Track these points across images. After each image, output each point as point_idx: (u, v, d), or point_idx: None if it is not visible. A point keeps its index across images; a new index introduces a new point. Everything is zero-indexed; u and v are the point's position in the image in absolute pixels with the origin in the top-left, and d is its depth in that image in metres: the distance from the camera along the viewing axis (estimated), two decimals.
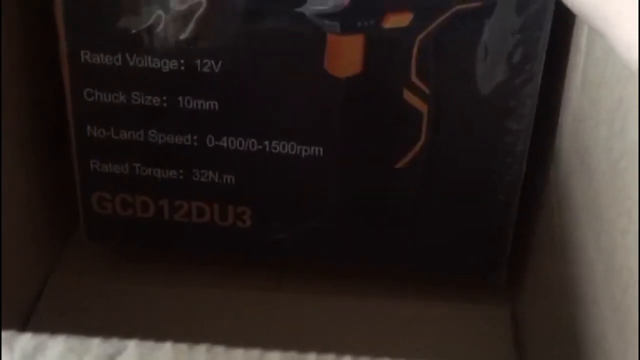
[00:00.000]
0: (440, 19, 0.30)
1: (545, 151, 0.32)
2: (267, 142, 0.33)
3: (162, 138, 0.34)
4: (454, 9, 0.30)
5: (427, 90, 0.31)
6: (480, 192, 0.33)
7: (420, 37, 0.30)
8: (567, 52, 0.30)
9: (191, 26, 0.31)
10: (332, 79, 0.32)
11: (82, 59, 0.32)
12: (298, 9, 0.30)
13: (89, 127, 0.34)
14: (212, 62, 0.32)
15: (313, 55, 0.31)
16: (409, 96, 0.32)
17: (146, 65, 0.32)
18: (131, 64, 0.32)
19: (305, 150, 0.33)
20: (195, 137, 0.34)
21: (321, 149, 0.33)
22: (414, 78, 0.31)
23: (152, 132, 0.34)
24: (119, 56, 0.32)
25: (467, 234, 0.34)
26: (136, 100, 0.33)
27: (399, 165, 0.33)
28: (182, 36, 0.31)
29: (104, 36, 0.32)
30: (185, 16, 0.31)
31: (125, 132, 0.34)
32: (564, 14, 0.29)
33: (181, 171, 0.34)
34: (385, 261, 0.36)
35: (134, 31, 0.32)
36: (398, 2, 0.30)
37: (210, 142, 0.34)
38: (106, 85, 0.33)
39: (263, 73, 0.32)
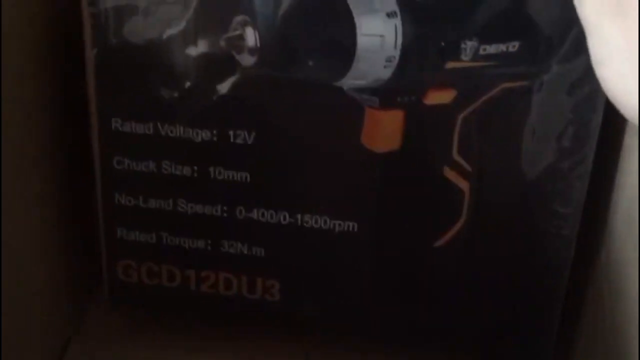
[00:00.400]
0: (485, 97, 0.29)
1: (596, 234, 0.31)
2: (299, 215, 0.32)
3: (191, 208, 0.33)
4: (499, 87, 0.29)
5: (469, 168, 0.30)
6: (524, 276, 0.31)
7: (463, 114, 0.29)
8: (622, 132, 0.29)
9: (226, 96, 0.30)
10: (369, 153, 0.30)
11: (113, 127, 0.32)
12: (336, 83, 0.29)
13: (117, 195, 0.33)
14: (246, 133, 0.31)
15: (350, 128, 0.30)
16: (450, 174, 0.30)
17: (178, 134, 0.31)
18: (163, 133, 0.32)
19: (339, 225, 0.32)
20: (225, 208, 0.32)
21: (355, 225, 0.32)
22: (455, 155, 0.30)
23: (181, 202, 0.33)
24: (151, 125, 0.31)
25: (509, 320, 0.32)
26: (166, 169, 0.32)
27: (438, 244, 0.31)
28: (216, 106, 0.31)
29: (136, 104, 0.31)
30: (221, 87, 0.30)
31: (154, 200, 0.33)
32: None
33: (209, 242, 0.33)
34: (417, 342, 0.34)
35: (167, 100, 0.31)
36: (440, 79, 0.29)
37: (241, 214, 0.32)
38: (136, 153, 0.32)
39: (297, 145, 0.31)
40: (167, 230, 0.33)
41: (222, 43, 0.29)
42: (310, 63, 0.29)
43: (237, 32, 0.29)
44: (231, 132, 0.31)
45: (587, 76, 0.28)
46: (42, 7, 0.30)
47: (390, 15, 0.28)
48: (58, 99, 0.33)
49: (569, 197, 0.29)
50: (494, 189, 0.30)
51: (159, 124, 0.31)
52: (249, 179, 0.32)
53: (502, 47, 0.28)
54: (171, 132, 0.32)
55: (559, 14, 0.27)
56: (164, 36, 0.30)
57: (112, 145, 0.32)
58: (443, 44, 0.28)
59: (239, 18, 0.29)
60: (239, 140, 0.31)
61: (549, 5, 0.27)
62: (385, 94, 0.29)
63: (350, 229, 0.32)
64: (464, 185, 0.30)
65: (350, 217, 0.32)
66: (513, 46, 0.28)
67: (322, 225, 0.32)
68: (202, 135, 0.31)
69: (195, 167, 0.32)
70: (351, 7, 0.28)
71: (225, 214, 0.33)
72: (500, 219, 0.31)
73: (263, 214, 0.32)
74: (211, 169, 0.32)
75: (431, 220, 0.31)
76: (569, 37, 0.27)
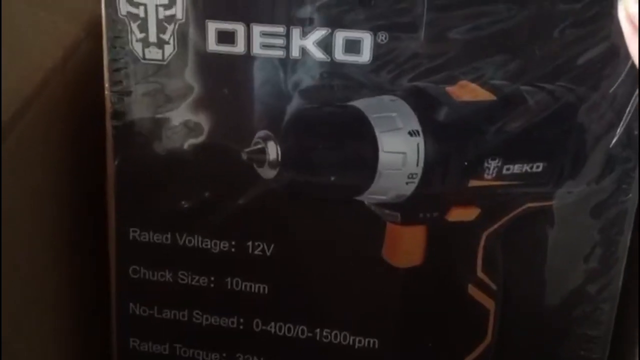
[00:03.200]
0: (509, 216, 0.29)
1: (628, 355, 0.30)
2: (317, 330, 0.32)
3: (206, 319, 0.33)
4: (524, 207, 0.29)
5: (494, 287, 0.30)
6: None
7: (487, 232, 0.30)
8: None
9: (245, 208, 0.31)
10: (390, 269, 0.31)
11: (131, 237, 0.32)
12: (357, 197, 0.30)
13: (131, 304, 0.33)
14: (265, 244, 0.31)
15: (371, 243, 0.30)
16: (474, 292, 0.30)
17: (196, 245, 0.32)
18: (180, 243, 0.32)
19: (359, 342, 0.32)
20: (241, 320, 0.33)
21: (377, 341, 0.31)
22: (480, 274, 0.30)
23: (197, 313, 0.33)
24: (169, 235, 0.32)
25: None
26: (183, 279, 0.33)
27: None
28: (235, 217, 0.31)
29: (155, 215, 0.32)
30: (240, 196, 0.31)
31: (169, 311, 0.33)
32: None
33: (224, 355, 0.33)
34: None
35: (186, 210, 0.32)
36: (464, 197, 0.29)
37: (257, 327, 0.32)
38: (153, 263, 0.33)
39: (317, 258, 0.31)
40: (181, 341, 0.33)
41: (244, 156, 0.30)
42: (332, 178, 0.30)
43: (259, 146, 0.30)
44: (250, 244, 0.32)
45: (613, 198, 0.28)
46: (64, 121, 0.32)
47: (412, 133, 0.29)
48: (76, 206, 0.34)
49: (597, 320, 0.29)
50: (520, 310, 0.30)
51: (177, 234, 0.32)
52: (266, 290, 0.32)
53: (526, 167, 0.29)
54: (189, 242, 0.32)
55: (584, 136, 0.28)
56: (185, 147, 0.31)
57: (129, 254, 0.33)
58: (466, 162, 0.29)
59: (261, 133, 0.30)
60: (258, 252, 0.32)
61: (573, 127, 0.28)
62: (407, 210, 0.30)
63: (372, 345, 0.32)
64: (489, 304, 0.30)
65: (372, 334, 0.31)
66: (537, 167, 0.28)
67: (342, 340, 0.32)
68: (220, 245, 0.32)
69: (212, 278, 0.32)
70: (373, 124, 0.29)
71: (241, 327, 0.33)
72: (527, 341, 0.30)
73: (280, 328, 0.32)
74: (228, 280, 0.32)
75: (456, 340, 0.31)
76: (594, 159, 0.28)
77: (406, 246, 0.30)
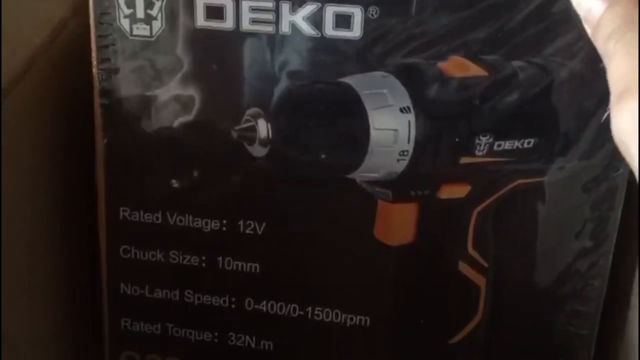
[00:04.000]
0: (501, 192, 0.29)
1: (614, 336, 0.31)
2: (309, 309, 0.32)
3: (198, 298, 0.33)
4: (515, 183, 0.29)
5: (485, 264, 0.30)
6: None
7: (478, 209, 0.30)
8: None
9: (236, 186, 0.31)
10: (382, 247, 0.31)
11: (121, 216, 0.32)
12: (348, 175, 0.30)
13: (122, 284, 0.33)
14: (256, 223, 0.31)
15: (363, 221, 0.31)
16: (465, 269, 0.30)
17: (187, 224, 0.32)
18: (171, 222, 0.32)
19: (351, 319, 0.32)
20: (233, 299, 0.33)
21: (368, 319, 0.32)
22: (471, 250, 0.30)
23: (188, 292, 0.33)
24: (159, 214, 0.32)
25: None
26: (174, 259, 0.33)
27: (454, 341, 0.31)
28: (226, 196, 0.31)
29: (145, 194, 0.32)
30: (231, 175, 0.31)
31: (160, 291, 0.33)
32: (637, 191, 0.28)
33: (216, 334, 0.33)
34: None
35: (176, 189, 0.32)
36: (455, 174, 0.29)
37: (249, 305, 0.33)
38: (144, 242, 0.33)
39: (308, 236, 0.31)
40: (173, 321, 0.34)
41: (234, 134, 0.30)
42: (323, 156, 0.30)
43: (249, 124, 0.30)
44: (241, 223, 0.32)
45: (604, 173, 0.28)
46: (53, 99, 0.31)
47: (403, 110, 0.29)
48: (66, 188, 0.33)
49: (587, 296, 0.30)
50: (511, 286, 0.30)
51: (167, 214, 0.32)
52: (258, 269, 0.32)
53: (517, 144, 0.29)
54: (180, 221, 0.32)
55: (575, 111, 0.28)
56: (175, 125, 0.31)
57: (119, 234, 0.33)
58: (457, 139, 0.29)
59: (252, 110, 0.30)
60: (249, 231, 0.32)
61: (565, 102, 0.28)
62: (399, 187, 0.30)
63: (363, 323, 0.32)
64: (480, 280, 0.31)
65: (363, 311, 0.32)
66: (528, 142, 0.29)
67: (334, 319, 0.32)
68: (212, 224, 0.32)
69: (204, 257, 0.32)
70: (364, 101, 0.29)
71: (233, 305, 0.33)
72: (518, 317, 0.31)
73: (272, 306, 0.32)
74: (220, 259, 0.32)
75: (447, 316, 0.31)
76: (585, 134, 0.28)
77: (397, 224, 0.30)
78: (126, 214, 0.32)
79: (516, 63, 0.28)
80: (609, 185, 0.28)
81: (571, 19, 0.27)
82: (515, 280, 0.30)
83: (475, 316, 0.31)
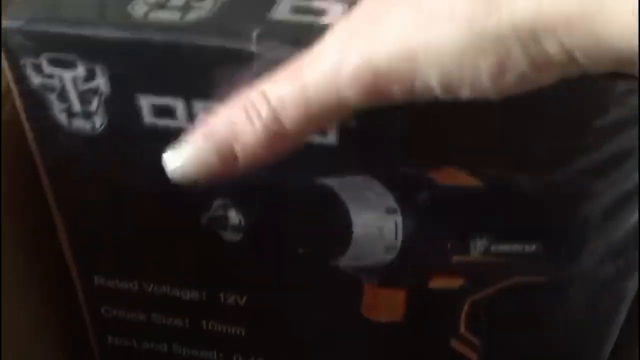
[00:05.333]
0: (496, 287, 0.27)
1: None
2: None
3: (186, 352, 0.33)
4: (512, 280, 0.27)
5: (477, 343, 0.29)
6: None
7: (472, 298, 0.28)
8: None
9: (213, 261, 0.29)
10: (370, 322, 0.30)
11: (96, 282, 0.31)
12: (333, 262, 0.28)
13: (109, 337, 0.33)
14: (237, 296, 0.30)
15: (349, 301, 0.29)
16: (457, 345, 0.30)
17: (165, 292, 0.31)
18: (148, 290, 0.31)
19: None
20: (221, 355, 0.33)
21: None
22: (463, 331, 0.29)
23: (176, 346, 0.33)
24: (135, 283, 0.31)
25: None
26: (157, 320, 0.32)
27: None
28: (204, 269, 0.30)
29: (118, 264, 0.30)
30: (205, 253, 0.29)
31: (148, 343, 0.33)
32: None
33: None
34: None
35: (151, 262, 0.30)
36: (447, 266, 0.27)
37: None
38: (124, 305, 0.32)
39: (293, 311, 0.30)
40: None
41: (204, 221, 0.28)
42: (300, 251, 0.27)
43: (219, 213, 0.27)
44: (221, 294, 0.30)
45: (612, 284, 0.26)
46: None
47: (389, 211, 0.26)
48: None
49: None
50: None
51: (144, 282, 0.31)
52: (244, 333, 0.31)
53: (517, 247, 0.26)
54: (157, 289, 0.31)
55: (586, 225, 0.25)
56: (140, 215, 0.28)
57: (97, 297, 0.32)
58: (449, 244, 0.26)
59: (219, 202, 0.27)
60: (230, 302, 0.30)
61: (570, 208, 0.24)
62: (385, 275, 0.28)
63: None
64: (471, 355, 0.30)
65: None
66: (530, 247, 0.26)
67: None
68: (191, 294, 0.31)
69: (187, 320, 0.32)
70: (345, 201, 0.26)
71: (222, 359, 0.33)
72: None
73: None
74: (203, 322, 0.32)
75: None
76: (595, 247, 0.25)
77: (385, 305, 0.29)
78: (101, 281, 0.31)
79: (520, 177, 0.24)
80: (616, 296, 0.26)
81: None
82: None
83: None
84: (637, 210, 0.24)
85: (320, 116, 0.20)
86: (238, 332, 0.32)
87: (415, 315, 0.29)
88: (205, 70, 0.23)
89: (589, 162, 0.23)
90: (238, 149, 0.21)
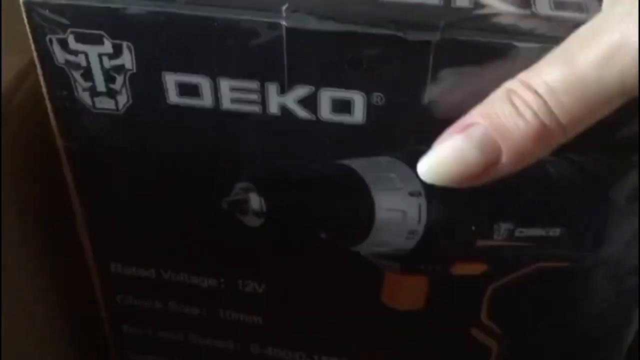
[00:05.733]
0: (519, 273, 0.27)
1: None
2: (315, 356, 0.32)
3: (202, 341, 0.33)
4: (535, 266, 0.27)
5: (499, 331, 0.29)
6: None
7: (494, 285, 0.28)
8: None
9: (231, 247, 0.29)
10: (389, 310, 0.29)
11: (113, 271, 0.31)
12: (354, 248, 0.28)
13: (125, 326, 0.33)
14: (255, 284, 0.30)
15: (369, 288, 0.29)
16: (477, 334, 0.29)
17: (182, 280, 0.31)
18: (166, 277, 0.31)
19: None
20: (238, 345, 0.32)
21: None
22: (485, 319, 0.29)
23: (193, 336, 0.33)
24: (152, 270, 0.31)
25: None
26: (173, 308, 0.32)
27: None
28: (222, 255, 0.29)
29: (135, 251, 0.30)
30: (224, 240, 0.29)
31: (164, 332, 0.33)
32: None
33: None
34: None
35: (169, 248, 0.30)
36: (469, 252, 0.27)
37: (255, 350, 0.32)
38: (140, 294, 0.32)
39: (312, 297, 0.30)
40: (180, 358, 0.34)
41: (224, 205, 0.27)
42: (323, 235, 0.27)
43: (240, 197, 0.27)
44: (240, 282, 0.30)
45: (632, 268, 0.26)
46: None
47: (413, 194, 0.26)
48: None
49: None
50: (525, 351, 0.30)
51: (161, 270, 0.31)
52: (261, 322, 0.31)
53: (541, 232, 0.26)
54: (174, 277, 0.31)
55: (611, 208, 0.24)
56: (158, 199, 0.28)
57: (113, 285, 0.31)
58: (473, 227, 0.26)
59: (242, 184, 0.27)
60: (249, 289, 0.30)
61: (600, 200, 0.24)
62: (407, 261, 0.28)
63: None
64: (491, 344, 0.30)
65: None
66: (554, 232, 0.26)
67: None
68: (209, 282, 0.30)
69: (204, 308, 0.31)
70: (369, 183, 0.25)
71: (238, 349, 0.33)
72: None
73: (278, 353, 0.32)
74: (220, 311, 0.31)
75: None
76: (619, 231, 0.25)
77: (406, 293, 0.29)
78: (118, 269, 0.31)
79: (546, 157, 0.24)
80: (635, 281, 0.26)
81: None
82: (531, 347, 0.29)
83: None
84: None
85: (599, 105, 0.17)
86: (255, 320, 0.31)
87: (436, 303, 0.29)
88: (235, 46, 0.23)
89: (614, 144, 0.23)
90: (504, 145, 0.19)
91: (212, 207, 0.28)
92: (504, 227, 0.26)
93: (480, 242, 0.27)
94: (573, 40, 0.18)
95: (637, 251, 0.25)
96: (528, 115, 0.18)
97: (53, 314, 0.33)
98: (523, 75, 0.19)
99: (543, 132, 0.18)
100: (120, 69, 0.24)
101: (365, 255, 0.28)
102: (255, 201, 0.27)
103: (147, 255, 0.30)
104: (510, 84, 0.19)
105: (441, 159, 0.21)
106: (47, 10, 0.23)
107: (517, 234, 0.26)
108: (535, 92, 0.18)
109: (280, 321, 0.31)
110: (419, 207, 0.26)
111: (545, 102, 0.18)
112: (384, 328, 0.30)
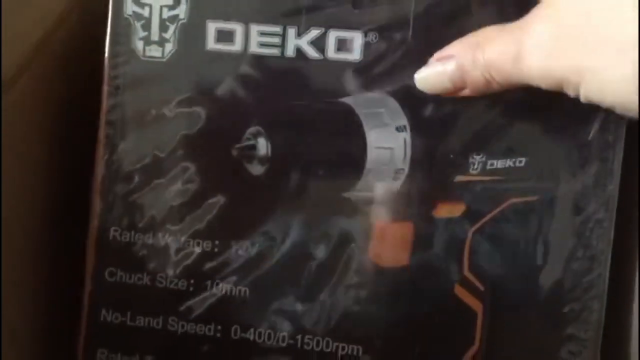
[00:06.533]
0: (495, 212, 0.30)
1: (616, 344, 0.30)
2: (299, 337, 0.31)
3: (182, 327, 0.32)
4: (508, 202, 0.30)
5: (481, 287, 0.30)
6: None
7: (473, 229, 0.30)
8: (635, 255, 0.30)
9: (231, 208, 0.32)
10: (376, 269, 0.31)
11: (112, 236, 0.32)
12: (345, 194, 0.31)
13: (104, 311, 0.32)
14: (249, 244, 0.32)
15: (358, 242, 0.31)
16: (461, 292, 0.30)
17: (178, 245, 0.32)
18: (162, 243, 0.32)
19: (342, 349, 0.31)
20: (219, 328, 0.32)
21: (360, 349, 0.31)
22: (467, 273, 0.30)
23: (172, 320, 0.32)
24: (150, 235, 0.32)
25: None
26: (161, 283, 0.32)
27: None
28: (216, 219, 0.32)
29: (140, 214, 0.32)
30: (229, 192, 0.32)
31: (143, 318, 0.32)
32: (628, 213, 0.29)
33: None
34: None
35: (172, 209, 0.32)
36: (450, 193, 0.30)
37: (235, 334, 0.32)
38: (131, 265, 0.32)
39: (300, 248, 0.31)
40: (153, 352, 0.32)
41: (234, 152, 0.31)
42: (320, 172, 0.31)
43: (250, 142, 0.31)
44: (233, 243, 0.32)
45: (593, 192, 0.30)
46: (54, 94, 0.33)
47: (399, 129, 0.31)
48: (64, 184, 0.34)
49: (586, 320, 0.29)
50: (508, 312, 0.30)
51: (159, 234, 0.32)
52: (247, 293, 0.32)
53: (509, 162, 0.30)
54: (171, 241, 0.32)
55: (562, 131, 0.30)
56: (177, 142, 0.32)
57: (107, 256, 0.32)
58: (451, 156, 0.30)
59: (252, 129, 0.31)
60: (241, 252, 0.32)
61: (552, 123, 0.30)
62: (394, 206, 0.31)
63: (355, 353, 0.31)
64: (476, 306, 0.30)
65: (355, 340, 0.31)
66: (520, 161, 0.30)
67: (325, 348, 0.31)
68: (204, 245, 0.32)
69: (192, 281, 0.32)
70: (362, 120, 0.31)
71: (218, 334, 0.32)
72: (516, 346, 0.30)
73: (260, 334, 0.31)
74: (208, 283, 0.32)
75: (442, 346, 0.31)
76: (573, 153, 0.30)
77: (393, 244, 0.31)
78: (117, 233, 0.32)
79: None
80: (599, 204, 0.29)
81: None
82: (512, 306, 0.30)
83: (472, 345, 0.30)
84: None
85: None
86: (242, 292, 0.31)
87: (421, 257, 0.30)
88: None
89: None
90: (467, 82, 0.28)
91: (222, 158, 0.31)
92: (477, 159, 0.30)
93: (458, 178, 0.30)
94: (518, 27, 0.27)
95: (593, 174, 0.29)
96: (478, 72, 0.27)
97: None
98: (482, 39, 0.28)
99: (487, 83, 0.27)
100: (174, 18, 0.32)
101: (356, 202, 0.31)
102: (262, 145, 0.31)
103: (149, 220, 0.32)
104: (475, 41, 0.28)
105: (426, 78, 0.30)
106: None
107: (489, 166, 0.30)
108: (483, 58, 0.27)
109: (266, 294, 0.31)
110: (404, 142, 0.30)
111: (486, 68, 0.27)
112: (369, 293, 0.31)
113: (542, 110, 0.30)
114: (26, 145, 0.30)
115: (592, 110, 0.29)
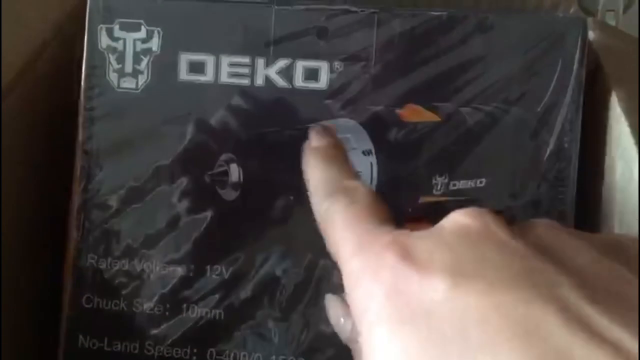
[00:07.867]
0: None
1: None
2: (273, 358, 0.32)
3: (158, 351, 0.33)
4: None
5: None
6: None
7: None
8: None
9: (207, 230, 0.33)
10: None
11: (88, 264, 0.33)
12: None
13: (81, 337, 0.33)
14: (223, 268, 0.33)
15: (331, 265, 0.32)
16: None
17: (152, 270, 0.33)
18: (138, 270, 0.33)
19: None
20: (195, 351, 0.33)
21: None
22: None
23: (149, 344, 0.33)
24: (125, 261, 0.33)
25: None
26: (137, 309, 0.33)
27: None
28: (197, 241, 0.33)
29: (117, 243, 0.33)
30: (206, 214, 0.33)
31: (120, 343, 0.33)
32: None
33: None
34: None
35: (148, 236, 0.33)
36: (416, 212, 0.32)
37: (211, 357, 0.32)
38: (107, 292, 0.33)
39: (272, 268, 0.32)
40: None
41: (207, 179, 0.33)
42: (292, 197, 0.32)
43: (222, 169, 0.33)
44: (208, 267, 0.33)
45: (551, 206, 0.31)
46: (34, 120, 0.34)
47: (365, 153, 0.32)
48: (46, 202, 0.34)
49: None
50: None
51: (134, 261, 0.33)
52: (222, 316, 0.32)
53: (470, 183, 0.32)
54: (147, 268, 0.33)
55: (519, 152, 0.31)
56: (151, 168, 0.33)
57: (84, 283, 0.33)
58: (416, 180, 0.32)
59: (225, 156, 0.33)
60: (215, 275, 0.33)
61: (509, 144, 0.31)
62: None
63: None
64: None
65: None
66: (480, 182, 0.32)
67: None
68: (180, 270, 0.33)
69: (168, 305, 0.33)
70: None
71: (194, 357, 0.33)
72: None
73: (235, 356, 0.32)
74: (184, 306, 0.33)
75: None
76: (530, 172, 0.31)
77: None
78: (93, 261, 0.33)
79: (464, 109, 0.32)
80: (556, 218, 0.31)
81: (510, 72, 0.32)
82: None
83: None
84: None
85: None
86: (217, 315, 0.32)
87: None
88: (235, 25, 0.32)
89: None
90: None
91: (196, 184, 0.33)
92: (440, 181, 0.32)
93: (423, 199, 0.32)
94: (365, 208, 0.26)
95: (556, 192, 0.31)
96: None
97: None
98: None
99: None
100: (147, 51, 0.33)
101: None
102: (235, 171, 0.32)
103: (124, 249, 0.33)
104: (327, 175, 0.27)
105: None
106: (102, 3, 0.33)
107: (451, 187, 0.32)
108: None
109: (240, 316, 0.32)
110: (371, 165, 0.32)
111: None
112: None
113: (500, 134, 0.32)
114: (9, 169, 0.31)
115: (547, 132, 0.31)
